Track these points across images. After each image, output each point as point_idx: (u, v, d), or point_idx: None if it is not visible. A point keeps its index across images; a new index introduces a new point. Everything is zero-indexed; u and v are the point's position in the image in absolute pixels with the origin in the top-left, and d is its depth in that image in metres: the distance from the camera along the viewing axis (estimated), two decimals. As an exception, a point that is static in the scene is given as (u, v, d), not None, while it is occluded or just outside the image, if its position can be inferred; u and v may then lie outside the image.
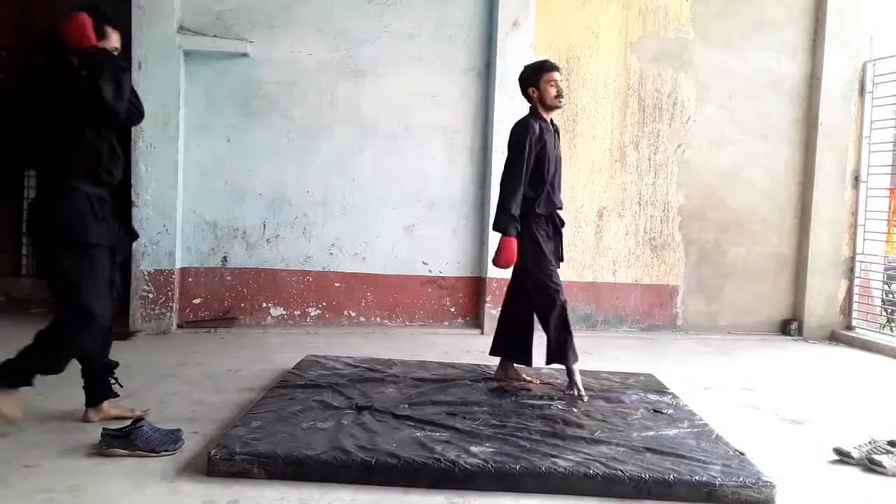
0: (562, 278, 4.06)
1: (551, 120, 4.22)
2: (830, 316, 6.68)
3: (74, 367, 4.16)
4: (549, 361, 4.04)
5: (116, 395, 3.52)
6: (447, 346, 5.51)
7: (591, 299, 6.46)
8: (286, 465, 2.86)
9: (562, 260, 4.18)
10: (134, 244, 5.70)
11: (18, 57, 6.78)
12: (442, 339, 5.80)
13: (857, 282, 6.72)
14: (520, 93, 4.01)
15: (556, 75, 4.09)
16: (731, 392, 4.60)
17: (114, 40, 3.26)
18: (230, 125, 5.91)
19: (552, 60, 4.20)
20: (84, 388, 3.44)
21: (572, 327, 3.98)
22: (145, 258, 5.66)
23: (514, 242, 3.93)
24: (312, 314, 6.07)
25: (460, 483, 2.84)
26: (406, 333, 5.97)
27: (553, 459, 2.96)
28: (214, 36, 5.78)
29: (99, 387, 3.44)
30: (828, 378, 5.27)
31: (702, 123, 6.56)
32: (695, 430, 3.46)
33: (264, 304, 6.03)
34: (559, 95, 4.08)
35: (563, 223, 4.21)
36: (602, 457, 3.01)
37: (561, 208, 4.18)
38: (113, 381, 3.50)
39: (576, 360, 3.98)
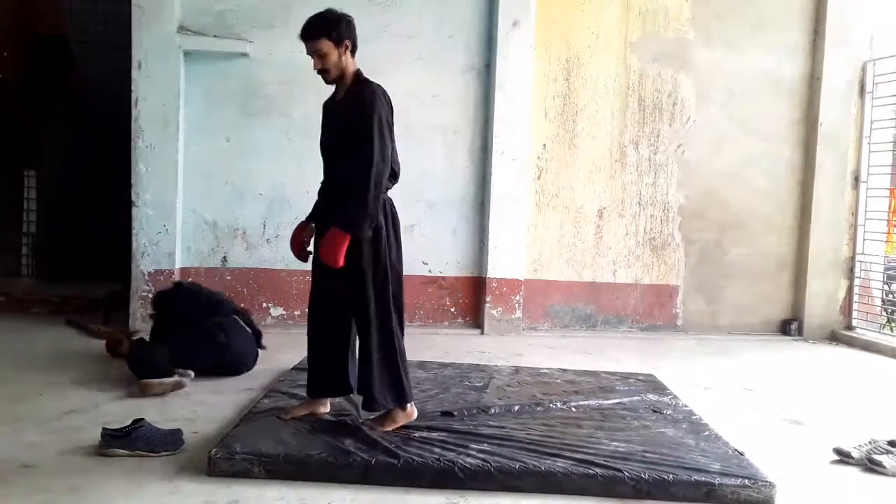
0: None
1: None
2: (830, 316, 6.67)
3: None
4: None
5: None
6: (447, 346, 5.51)
7: (592, 299, 6.44)
8: (286, 464, 2.87)
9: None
10: (134, 244, 5.73)
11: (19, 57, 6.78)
12: (442, 339, 5.79)
13: (857, 282, 6.70)
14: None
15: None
16: (731, 392, 4.60)
17: None
18: (230, 125, 5.90)
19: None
20: None
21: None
22: (145, 258, 5.66)
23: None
24: (312, 314, 6.06)
25: (460, 482, 2.84)
26: (406, 333, 5.94)
27: (553, 459, 2.96)
28: (214, 36, 5.77)
29: None
30: (828, 378, 5.27)
31: (702, 123, 6.56)
32: (694, 429, 3.47)
33: (264, 304, 6.03)
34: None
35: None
36: (601, 456, 3.01)
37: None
38: None
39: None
